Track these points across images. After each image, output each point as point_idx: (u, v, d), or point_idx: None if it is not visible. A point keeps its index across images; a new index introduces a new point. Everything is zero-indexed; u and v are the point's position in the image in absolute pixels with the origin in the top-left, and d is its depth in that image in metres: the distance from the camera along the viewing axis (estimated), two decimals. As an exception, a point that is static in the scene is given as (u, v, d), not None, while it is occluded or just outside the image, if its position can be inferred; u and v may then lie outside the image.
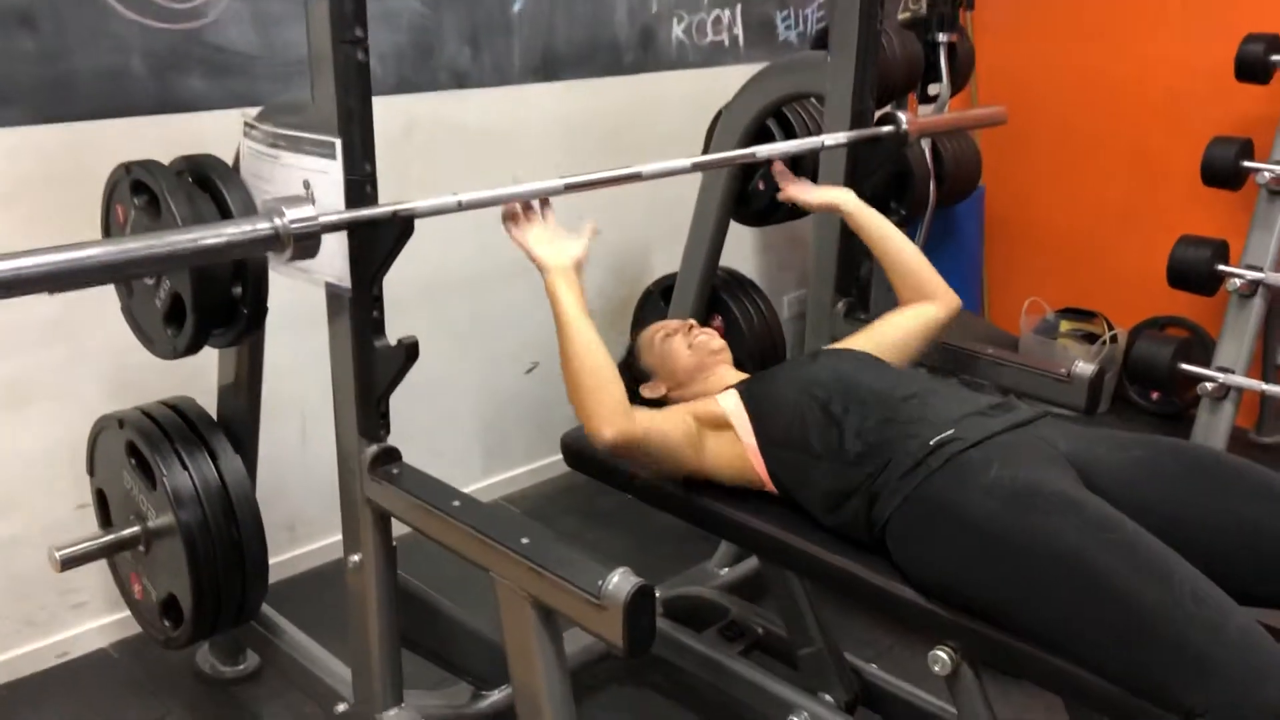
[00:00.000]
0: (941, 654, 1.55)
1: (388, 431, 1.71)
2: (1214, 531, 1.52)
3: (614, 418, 1.65)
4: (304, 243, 1.46)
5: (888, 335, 2.02)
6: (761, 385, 1.87)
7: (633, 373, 2.03)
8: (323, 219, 1.48)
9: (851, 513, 1.65)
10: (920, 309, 2.06)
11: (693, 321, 2.06)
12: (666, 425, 1.75)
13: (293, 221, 1.44)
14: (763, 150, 2.12)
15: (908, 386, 1.74)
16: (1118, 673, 1.38)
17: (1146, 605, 1.33)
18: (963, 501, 1.52)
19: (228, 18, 2.31)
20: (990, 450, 1.58)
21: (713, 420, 1.81)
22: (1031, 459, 1.58)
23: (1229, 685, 1.26)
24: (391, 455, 1.71)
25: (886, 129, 2.30)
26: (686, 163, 1.97)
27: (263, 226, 1.44)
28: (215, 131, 2.22)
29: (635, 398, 1.97)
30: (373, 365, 1.65)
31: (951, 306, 2.08)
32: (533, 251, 1.71)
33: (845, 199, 2.13)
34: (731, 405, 1.82)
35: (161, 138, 2.20)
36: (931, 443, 1.60)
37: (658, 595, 2.34)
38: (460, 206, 1.64)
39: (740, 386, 1.88)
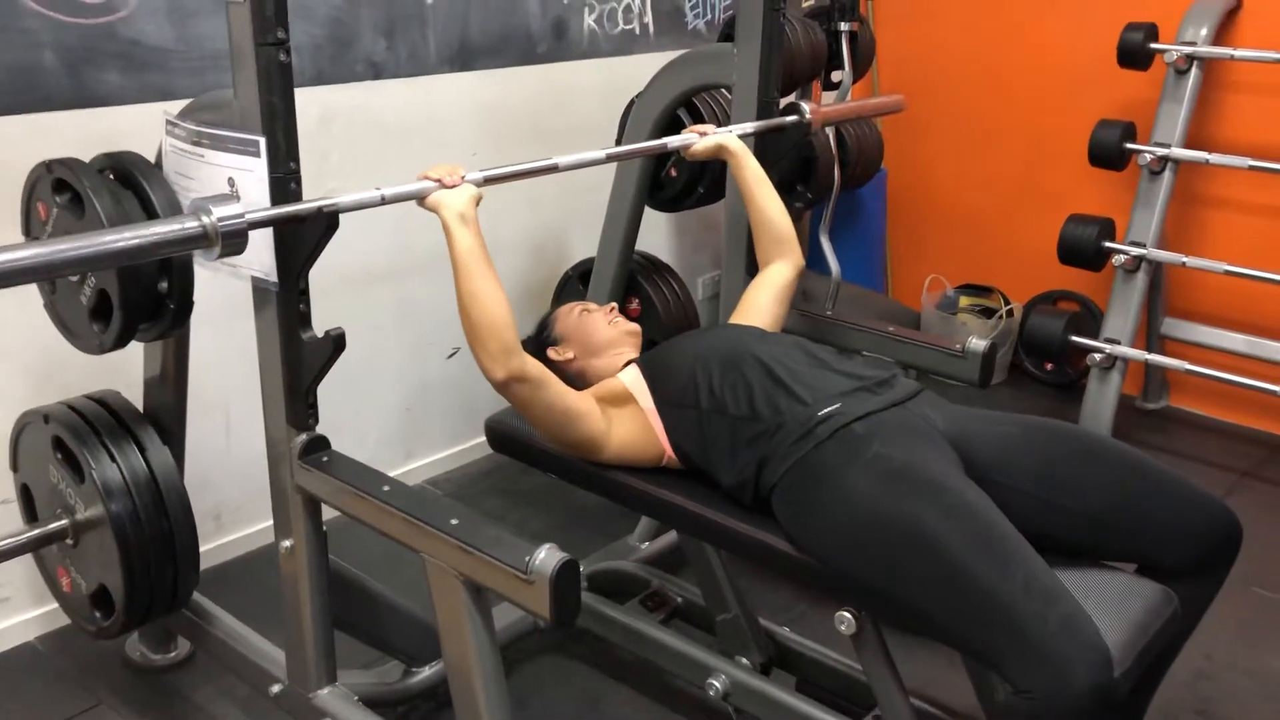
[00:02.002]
0: (846, 614, 1.66)
1: (316, 421, 1.76)
2: (1076, 497, 1.68)
3: (504, 358, 1.71)
4: (232, 240, 1.49)
5: (759, 302, 2.13)
6: (658, 355, 1.97)
7: (542, 339, 2.09)
8: (250, 216, 1.51)
9: (742, 472, 1.75)
10: (776, 270, 2.17)
11: (614, 305, 2.13)
12: (568, 392, 1.83)
13: (220, 219, 1.47)
14: (674, 141, 2.21)
15: (797, 358, 1.85)
16: (961, 644, 1.53)
17: (984, 591, 1.47)
18: (843, 475, 1.64)
19: (142, 11, 2.31)
20: (873, 425, 1.70)
21: (616, 397, 1.90)
22: (910, 437, 1.70)
23: (1047, 669, 1.41)
24: (320, 444, 1.76)
25: (791, 119, 2.40)
26: (601, 154, 2.05)
27: (191, 225, 1.47)
28: (132, 126, 2.25)
29: (542, 361, 2.05)
30: (300, 357, 1.70)
31: (799, 265, 2.19)
32: (429, 199, 1.72)
33: (730, 140, 2.20)
34: (631, 378, 1.92)
35: (77, 133, 2.22)
36: (819, 414, 1.72)
37: (582, 570, 2.45)
38: (384, 200, 1.69)
39: (638, 360, 1.98)
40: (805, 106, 2.40)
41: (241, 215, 1.50)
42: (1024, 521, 1.59)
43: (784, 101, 2.47)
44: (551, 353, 2.06)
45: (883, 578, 1.58)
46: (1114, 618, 1.57)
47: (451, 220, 1.70)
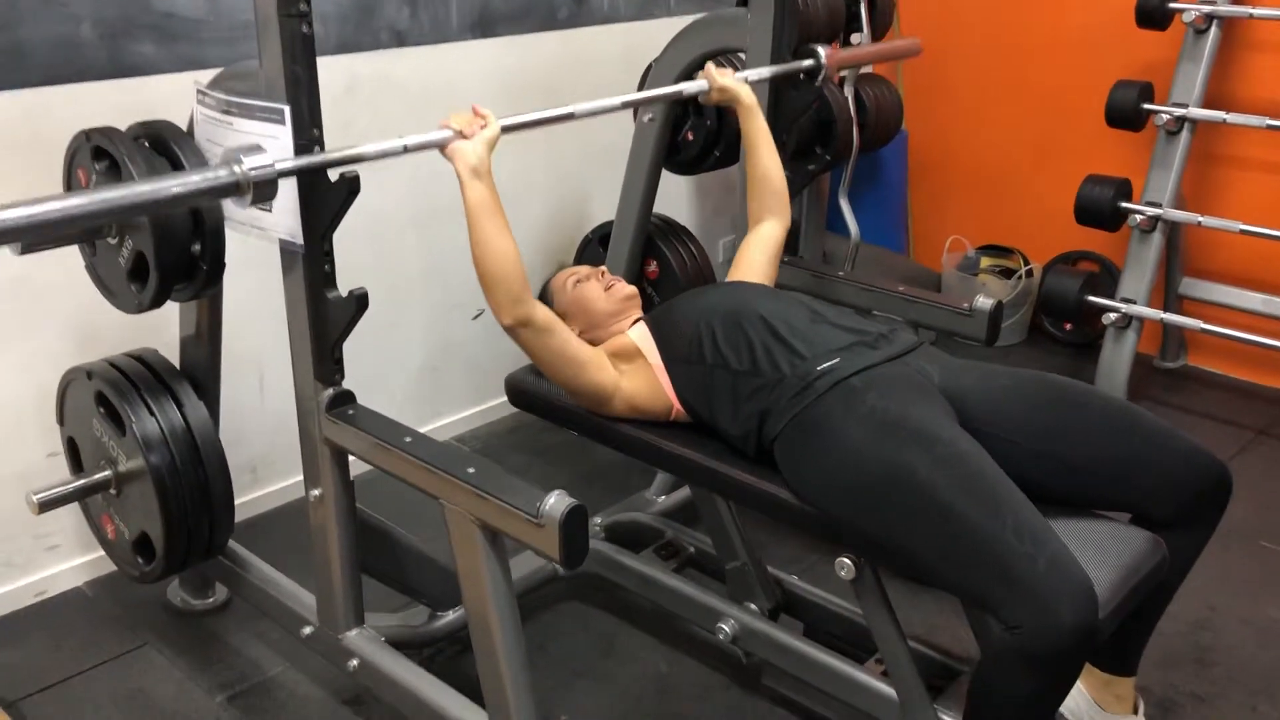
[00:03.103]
0: (846, 560, 1.74)
1: (342, 376, 1.85)
2: (1067, 447, 1.75)
3: (511, 305, 1.79)
4: (262, 188, 1.59)
5: (754, 260, 2.21)
6: (665, 312, 2.04)
7: None
8: (278, 165, 1.60)
9: (745, 424, 1.83)
10: (767, 228, 2.25)
11: (603, 268, 2.16)
12: (575, 340, 1.91)
13: (251, 168, 1.57)
14: (689, 86, 2.24)
15: (798, 314, 1.91)
16: (955, 586, 1.61)
17: (977, 535, 1.55)
18: (840, 427, 1.71)
19: (174, -17, 2.40)
20: (869, 379, 1.77)
21: (625, 352, 1.97)
22: (905, 390, 1.76)
23: (1036, 606, 1.49)
24: (346, 398, 1.86)
25: (807, 63, 2.43)
26: (617, 101, 2.09)
27: (223, 174, 1.57)
28: (166, 95, 2.33)
29: None
30: (326, 316, 1.79)
31: (787, 224, 2.28)
32: (448, 149, 1.77)
33: (745, 92, 2.25)
34: (639, 334, 1.99)
35: (114, 102, 2.31)
36: (818, 369, 1.78)
37: (600, 521, 2.55)
38: (405, 149, 1.73)
39: (645, 317, 2.05)
40: (821, 50, 2.42)
41: (270, 164, 1.60)
42: (1017, 471, 1.66)
43: (801, 47, 2.48)
44: None
45: (879, 525, 1.66)
46: (1101, 562, 1.64)
47: (464, 172, 1.76)
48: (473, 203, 1.77)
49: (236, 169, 1.56)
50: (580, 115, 2.01)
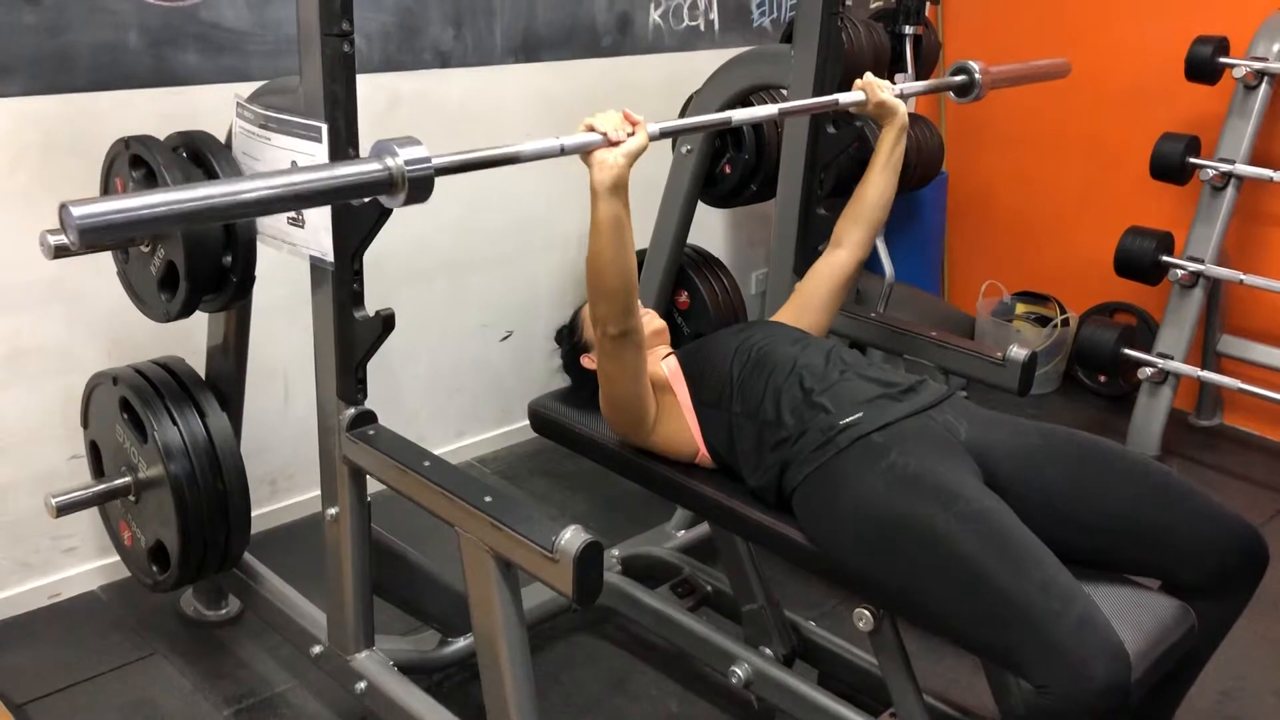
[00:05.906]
0: (865, 611, 1.70)
1: (365, 396, 1.84)
2: (1096, 509, 1.70)
3: (625, 317, 1.74)
4: (418, 188, 1.41)
5: (814, 292, 2.16)
6: (696, 351, 2.01)
7: (574, 343, 2.14)
8: (437, 161, 1.44)
9: (766, 475, 1.80)
10: (840, 257, 2.17)
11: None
12: (645, 364, 1.86)
13: (407, 163, 1.40)
14: (845, 97, 2.15)
15: (827, 365, 1.88)
16: (980, 647, 1.56)
17: (1000, 591, 1.51)
18: (859, 482, 1.68)
19: (222, -4, 2.42)
20: (892, 435, 1.73)
21: (658, 384, 1.94)
22: (928, 446, 1.72)
23: (1064, 666, 1.44)
24: (368, 418, 1.84)
25: (960, 79, 2.39)
26: (774, 109, 2.02)
27: (375, 168, 1.40)
28: (209, 105, 2.34)
29: (576, 367, 2.11)
30: (352, 334, 1.78)
31: (860, 260, 2.19)
32: (594, 155, 1.68)
33: (903, 112, 2.17)
34: (671, 368, 1.97)
35: (157, 110, 2.33)
36: (841, 423, 1.75)
37: (617, 554, 2.52)
38: (563, 150, 1.65)
39: (678, 351, 2.03)
40: (975, 65, 2.37)
41: (428, 160, 1.41)
42: (1043, 531, 1.62)
43: (952, 64, 2.45)
44: (585, 360, 2.09)
45: (899, 581, 1.62)
46: (1128, 628, 1.59)
47: (600, 187, 1.67)
48: (603, 219, 1.69)
49: (391, 162, 1.39)
50: (738, 123, 1.96)
